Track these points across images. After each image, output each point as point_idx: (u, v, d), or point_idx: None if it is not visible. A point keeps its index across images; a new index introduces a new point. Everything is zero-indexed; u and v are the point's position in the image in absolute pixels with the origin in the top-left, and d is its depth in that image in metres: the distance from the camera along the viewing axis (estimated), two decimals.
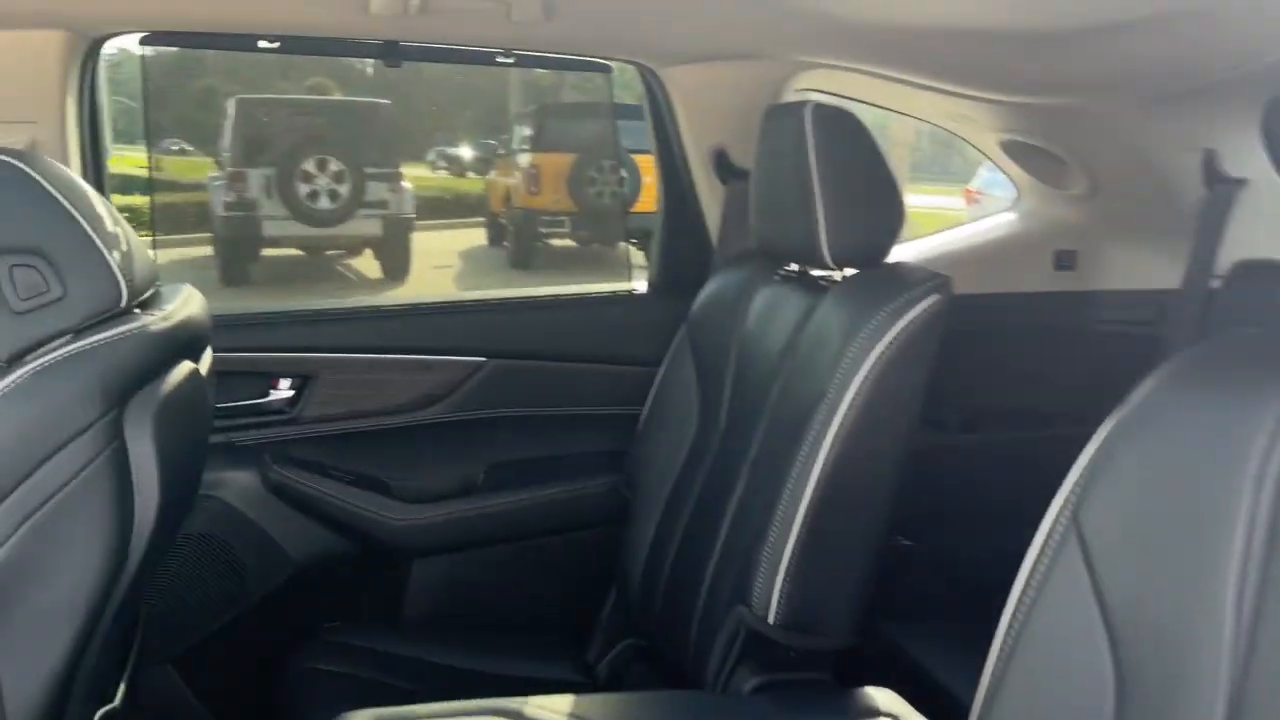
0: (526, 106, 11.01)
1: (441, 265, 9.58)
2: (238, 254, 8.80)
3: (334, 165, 8.93)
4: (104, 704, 1.30)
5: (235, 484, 1.83)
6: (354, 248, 9.39)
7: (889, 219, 1.47)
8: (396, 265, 9.06)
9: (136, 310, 1.27)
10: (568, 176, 9.28)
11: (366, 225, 9.09)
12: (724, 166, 1.97)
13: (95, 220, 1.22)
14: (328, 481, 1.88)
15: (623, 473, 1.85)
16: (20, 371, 1.15)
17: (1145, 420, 0.78)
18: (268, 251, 8.89)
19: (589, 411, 2.02)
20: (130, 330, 1.20)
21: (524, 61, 1.82)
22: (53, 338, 1.18)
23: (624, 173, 8.39)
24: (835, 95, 1.97)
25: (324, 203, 9.02)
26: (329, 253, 9.42)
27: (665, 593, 1.64)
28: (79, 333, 1.19)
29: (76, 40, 1.56)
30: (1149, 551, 0.75)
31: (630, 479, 1.81)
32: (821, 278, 1.55)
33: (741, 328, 1.66)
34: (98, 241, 1.20)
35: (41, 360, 1.16)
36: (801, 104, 1.47)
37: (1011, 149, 2.08)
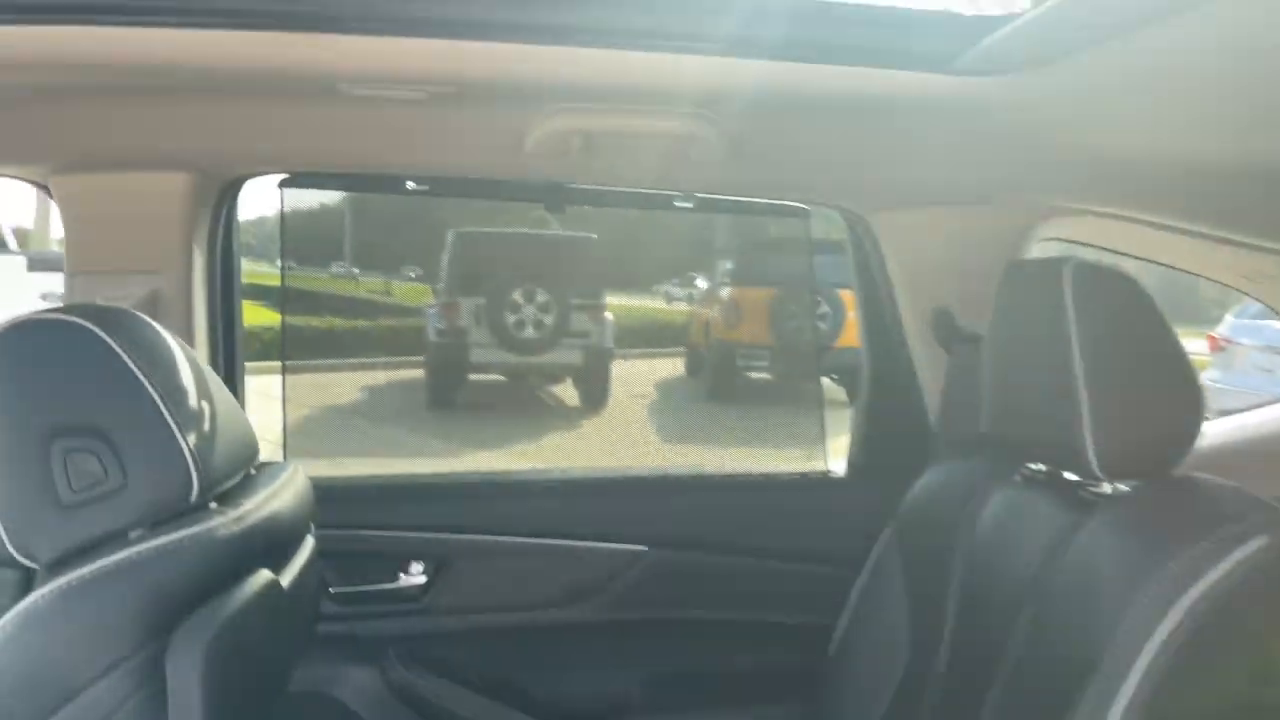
0: (730, 240, 11.08)
1: (639, 394, 9.56)
2: (446, 379, 9.09)
3: (540, 296, 9.16)
4: None
5: (352, 682, 1.59)
6: (556, 375, 9.55)
7: (1183, 416, 1.08)
8: (595, 393, 9.15)
9: (212, 505, 1.04)
10: (768, 310, 9.21)
11: (569, 354, 9.24)
12: (947, 329, 1.62)
13: (174, 393, 1.01)
14: (458, 688, 1.61)
15: (811, 701, 1.49)
16: (55, 584, 0.93)
17: None
18: (474, 377, 9.16)
19: (771, 619, 1.67)
20: (191, 536, 0.97)
21: (706, 206, 1.56)
22: (103, 540, 0.96)
23: (826, 308, 8.28)
24: (1087, 245, 1.60)
25: (529, 332, 9.23)
26: (532, 380, 9.62)
27: None
28: (134, 533, 0.97)
29: (206, 183, 1.41)
30: None
31: (820, 710, 1.45)
32: (1085, 487, 1.16)
33: (969, 539, 1.28)
34: (170, 420, 0.98)
35: (79, 572, 0.93)
36: (1059, 260, 1.13)
37: None
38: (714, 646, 1.68)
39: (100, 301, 1.20)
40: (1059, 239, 1.60)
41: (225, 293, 1.51)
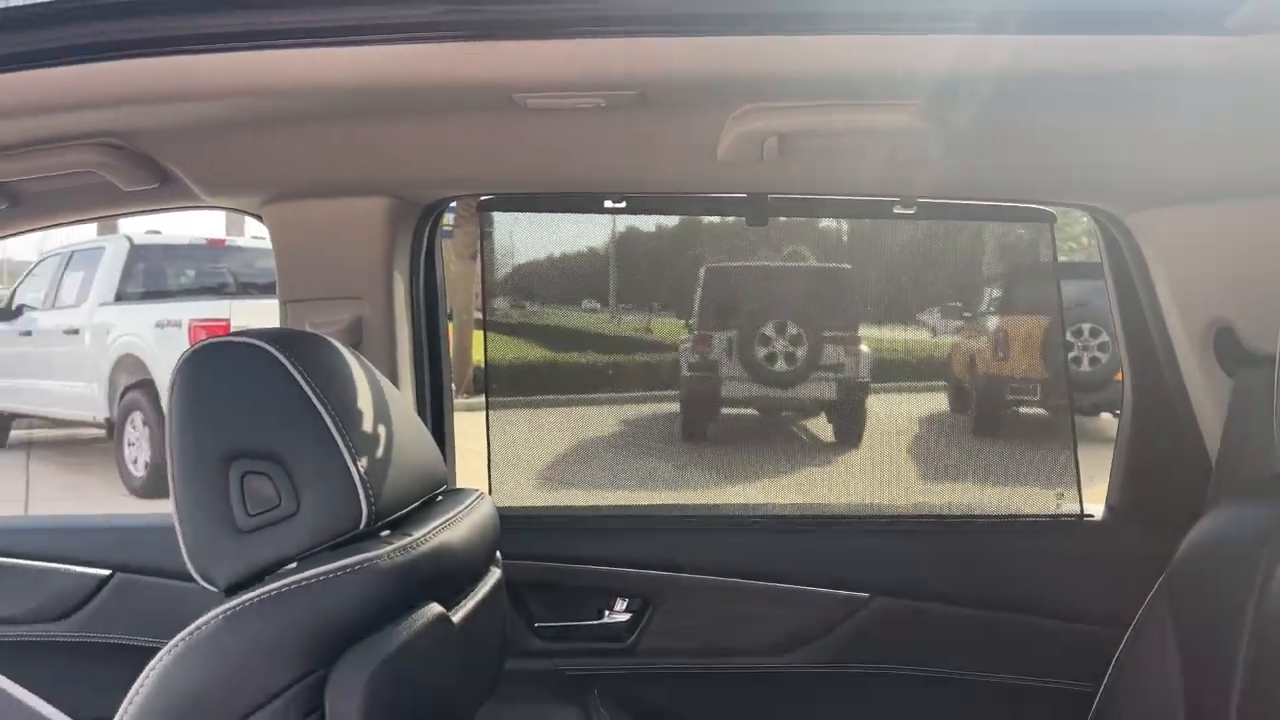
0: (996, 266, 10.54)
1: (897, 429, 9.21)
2: (699, 411, 9.15)
3: (792, 329, 9.06)
4: None
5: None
6: (809, 409, 9.40)
7: None
8: (850, 428, 8.89)
9: (383, 533, 1.00)
10: (1041, 341, 8.66)
11: (822, 388, 9.06)
12: (1230, 348, 1.37)
13: (350, 418, 0.98)
14: None
15: None
16: (223, 608, 0.92)
17: None
18: (727, 410, 9.19)
19: (1014, 681, 1.47)
20: (356, 564, 0.93)
21: (931, 212, 1.40)
22: (274, 566, 0.95)
23: (1105, 336, 7.70)
24: None
25: (780, 365, 9.15)
26: (784, 414, 9.53)
27: None
28: (302, 560, 0.95)
29: (405, 207, 1.41)
30: None
31: None
32: None
33: (1264, 601, 1.05)
34: (342, 445, 0.96)
35: (246, 597, 0.92)
36: None
37: None
38: (948, 707, 1.50)
39: (308, 328, 1.20)
40: None
41: (429, 318, 1.51)
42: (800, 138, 1.19)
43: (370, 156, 1.34)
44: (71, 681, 1.58)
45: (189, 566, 0.99)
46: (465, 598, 1.12)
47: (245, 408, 0.98)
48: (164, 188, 1.34)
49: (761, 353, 8.72)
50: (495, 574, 1.23)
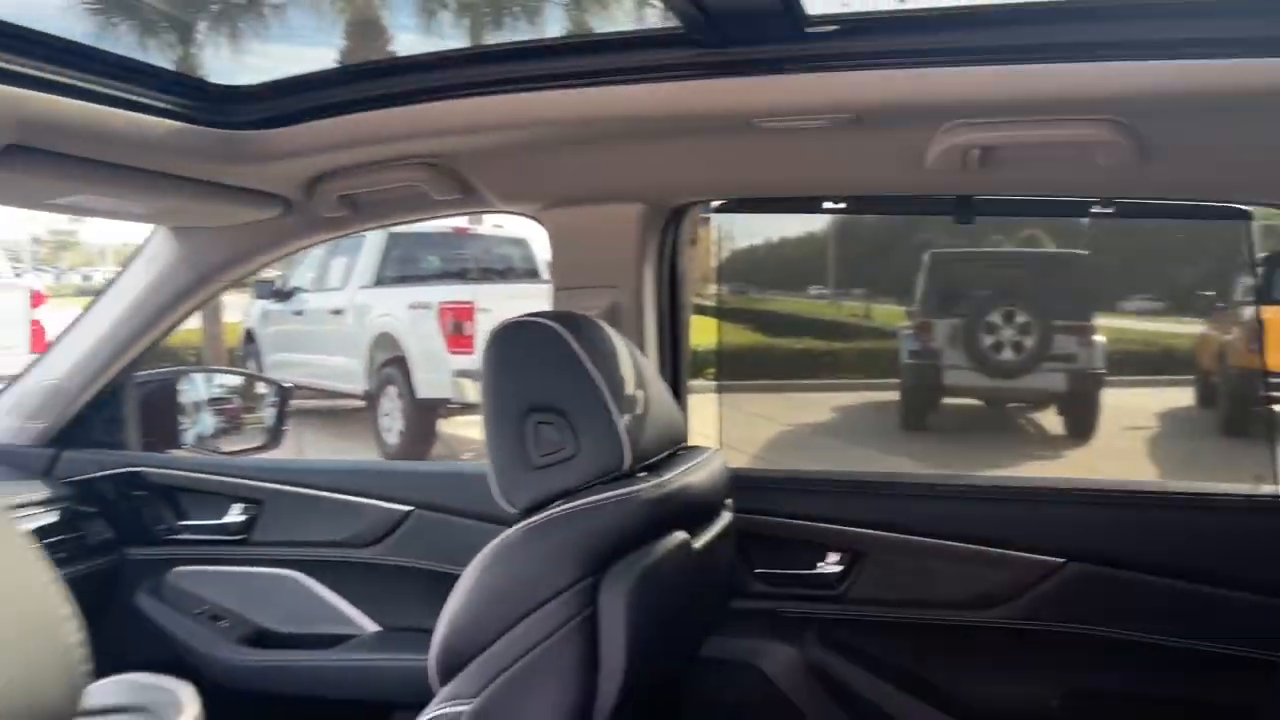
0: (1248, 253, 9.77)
1: (1135, 426, 8.77)
2: (919, 401, 9.03)
3: (1020, 317, 8.81)
4: None
5: (775, 656, 1.74)
6: (1037, 401, 9.08)
7: None
8: (1081, 422, 8.55)
9: (641, 474, 1.26)
10: None
11: (1051, 379, 8.76)
12: None
13: (615, 383, 1.25)
14: (871, 676, 1.70)
15: None
16: (521, 525, 1.20)
17: None
18: (948, 400, 9.01)
19: (1204, 649, 1.56)
20: (620, 496, 1.19)
21: (1128, 211, 1.52)
22: (559, 495, 1.22)
23: None
24: None
25: (1007, 354, 8.91)
26: (1010, 405, 9.25)
27: None
28: (577, 493, 1.22)
29: (655, 212, 1.67)
30: None
31: None
32: None
33: None
34: (611, 406, 1.22)
35: (538, 517, 1.19)
36: None
37: None
38: (1139, 670, 1.61)
39: (576, 310, 1.48)
40: None
41: (672, 306, 1.77)
42: (1001, 149, 1.35)
43: (630, 170, 1.61)
44: (374, 596, 1.95)
45: (495, 492, 1.27)
46: (703, 531, 1.36)
47: (538, 372, 1.26)
48: (466, 197, 1.65)
49: (987, 341, 8.53)
50: (726, 516, 1.46)
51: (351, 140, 1.49)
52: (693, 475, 1.33)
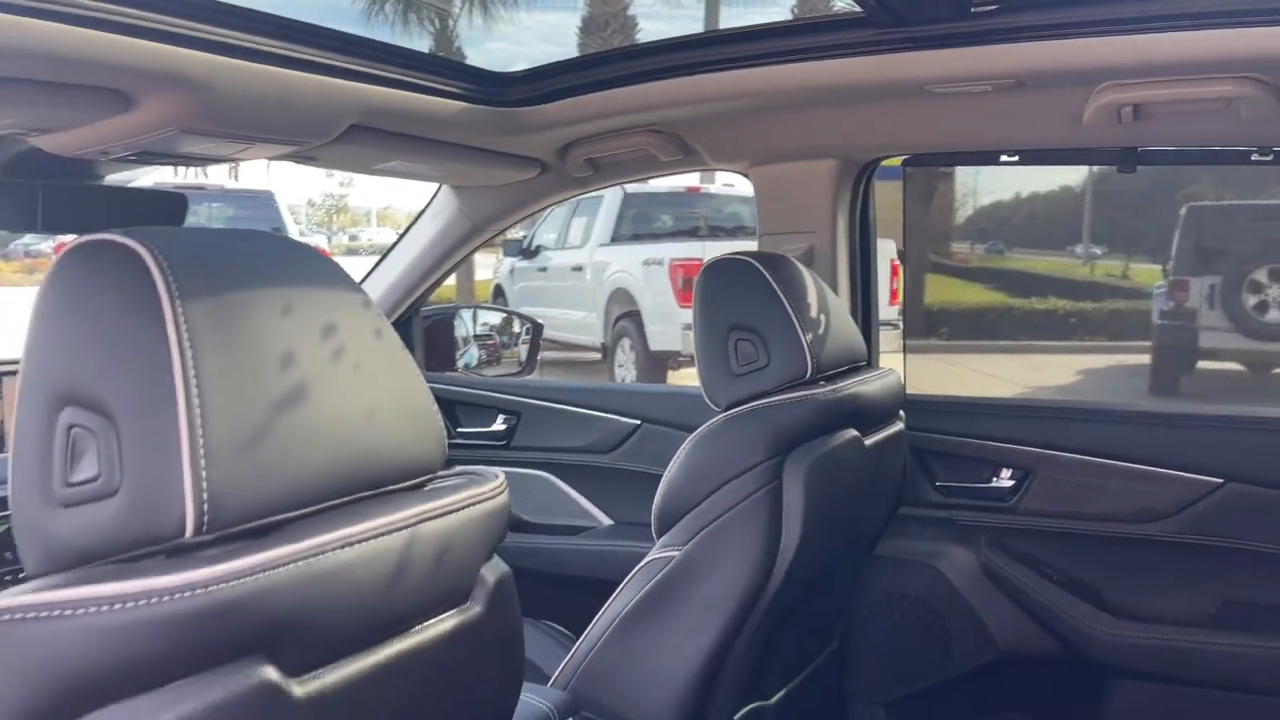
0: None
1: None
2: (1171, 365, 8.61)
3: None
4: (760, 701, 1.59)
5: (952, 559, 1.98)
6: None
7: None
8: None
9: (821, 382, 1.55)
10: None
11: None
12: None
13: (802, 310, 1.54)
14: (1038, 578, 1.91)
15: None
16: (721, 416, 1.52)
17: None
18: (1205, 365, 8.54)
19: None
20: (802, 396, 1.49)
21: None
22: (753, 396, 1.53)
23: None
24: None
25: (1273, 315, 8.35)
26: (1276, 371, 8.64)
27: None
28: (769, 394, 1.52)
29: (847, 167, 1.93)
30: None
31: None
32: None
33: None
34: (798, 327, 1.51)
35: (735, 410, 1.51)
36: None
37: None
38: None
39: (779, 250, 1.77)
40: None
41: (863, 251, 2.03)
42: (1152, 107, 1.51)
43: (823, 131, 1.87)
44: (609, 494, 2.33)
45: (704, 394, 1.59)
46: (873, 433, 1.62)
47: (738, 299, 1.56)
48: (686, 157, 1.97)
49: (1251, 301, 8.02)
50: (898, 426, 1.72)
51: (597, 114, 1.83)
52: (865, 386, 1.60)
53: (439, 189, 2.28)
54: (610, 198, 9.38)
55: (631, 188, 9.34)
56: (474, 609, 0.86)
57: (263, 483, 0.70)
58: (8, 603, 0.63)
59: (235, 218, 9.66)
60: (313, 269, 0.83)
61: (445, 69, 1.64)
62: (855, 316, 2.00)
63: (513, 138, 1.86)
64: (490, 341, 2.99)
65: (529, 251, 10.53)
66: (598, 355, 9.29)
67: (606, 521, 2.32)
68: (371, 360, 0.82)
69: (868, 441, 1.59)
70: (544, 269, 10.18)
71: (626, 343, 8.74)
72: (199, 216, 9.43)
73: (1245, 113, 1.45)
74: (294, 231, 10.18)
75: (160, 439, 0.66)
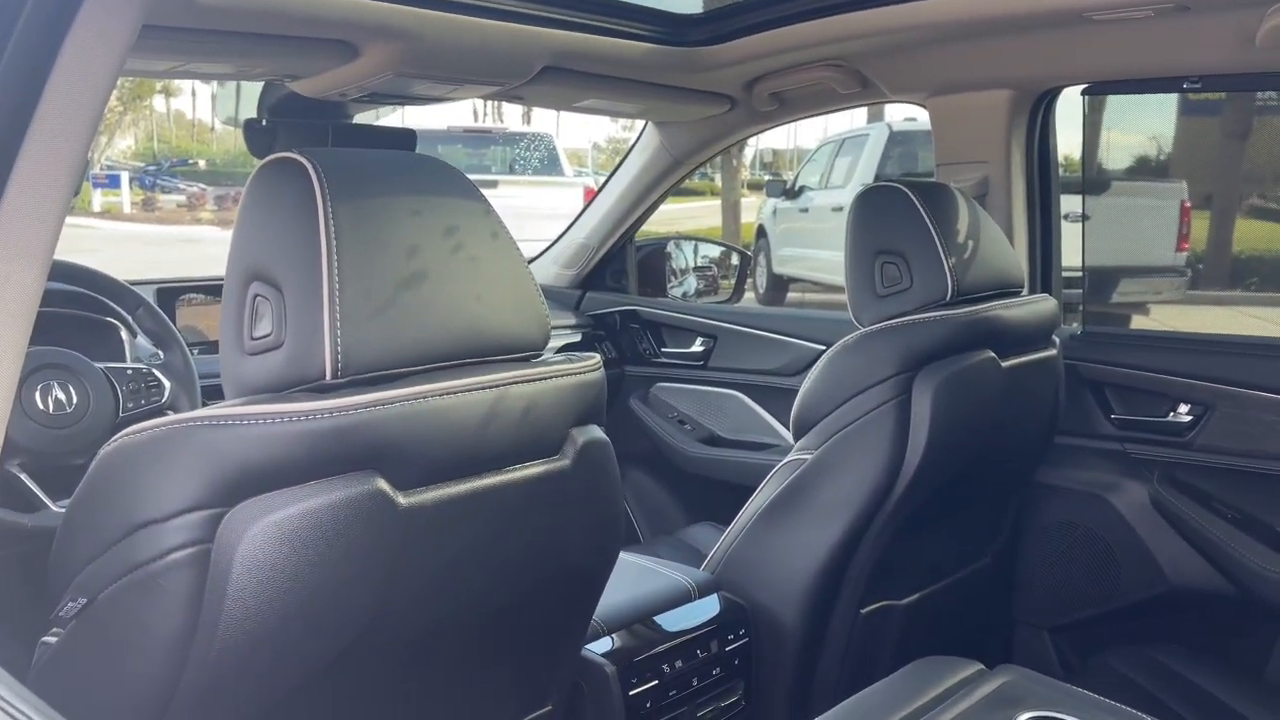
0: None
1: None
2: None
3: None
4: (890, 600, 1.71)
5: (1124, 491, 1.98)
6: None
7: None
8: None
9: (962, 304, 1.62)
10: None
11: None
12: None
13: (949, 234, 1.62)
14: (1211, 515, 1.88)
15: None
16: (856, 334, 1.64)
17: None
18: None
19: None
20: (935, 317, 1.58)
21: None
22: (896, 315, 1.63)
23: None
24: None
25: None
26: None
27: None
28: (912, 314, 1.62)
29: (1022, 97, 1.93)
30: None
31: None
32: None
33: None
34: (941, 251, 1.60)
35: (872, 328, 1.62)
36: None
37: None
38: None
39: (951, 184, 1.83)
40: None
41: (1043, 183, 2.03)
42: None
43: (998, 61, 1.86)
44: None
45: (850, 313, 1.70)
46: (1013, 356, 1.67)
47: (886, 224, 1.65)
48: (864, 90, 2.04)
49: None
50: (1049, 352, 1.75)
51: (778, 49, 1.95)
52: (1009, 310, 1.65)
53: (644, 126, 2.48)
54: (875, 136, 9.22)
55: (898, 126, 9.13)
56: (562, 462, 1.06)
57: (385, 343, 0.92)
58: (197, 414, 0.89)
59: (516, 157, 10.38)
60: (443, 182, 1.05)
61: (629, 12, 1.81)
62: (1032, 248, 2.01)
63: (698, 75, 2.01)
64: (708, 273, 3.19)
65: (792, 192, 10.53)
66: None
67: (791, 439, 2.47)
68: (486, 255, 1.03)
69: (1005, 363, 1.64)
70: (806, 210, 10.15)
71: None
72: (486, 157, 10.26)
73: None
74: (569, 171, 10.77)
75: (310, 306, 0.90)
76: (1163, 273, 7.22)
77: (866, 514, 1.58)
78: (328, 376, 0.90)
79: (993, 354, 1.62)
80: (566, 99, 2.03)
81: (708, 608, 1.60)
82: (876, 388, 1.57)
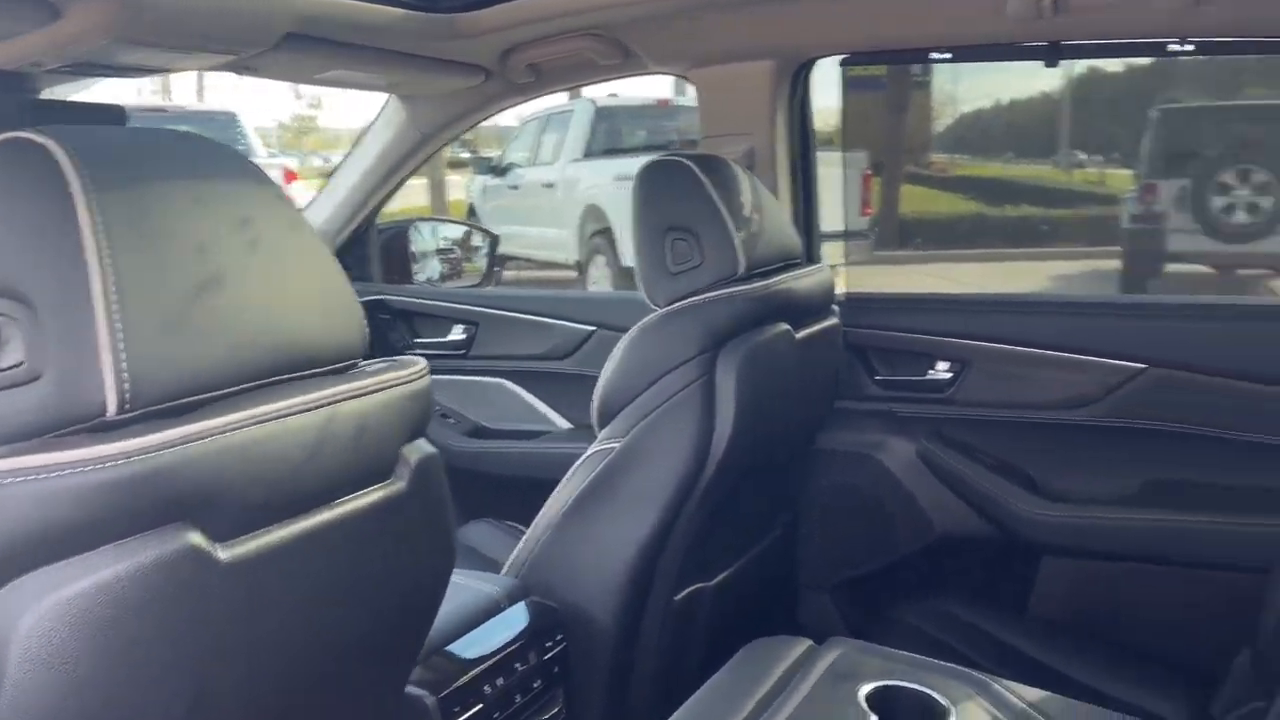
0: None
1: None
2: (1141, 268, 8.71)
3: (1258, 176, 8.28)
4: (701, 582, 1.68)
5: (892, 449, 2.06)
6: (1275, 267, 8.54)
7: None
8: None
9: (754, 278, 1.60)
10: None
11: None
12: None
13: (735, 209, 1.58)
14: (973, 464, 1.99)
15: None
16: (657, 313, 1.57)
17: None
18: (1174, 267, 8.63)
19: (1266, 440, 1.77)
20: (734, 293, 1.54)
21: (1208, 49, 1.67)
22: (689, 294, 1.58)
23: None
24: None
25: (1239, 216, 8.41)
26: (1243, 272, 8.74)
27: None
28: (705, 291, 1.57)
29: (784, 67, 1.95)
30: None
31: None
32: None
33: None
34: (729, 224, 1.56)
35: (671, 308, 1.56)
36: None
37: None
38: (1208, 462, 1.83)
39: (718, 155, 1.80)
40: None
41: (802, 154, 2.07)
42: None
43: (759, 30, 1.88)
44: (566, 399, 2.39)
45: (642, 293, 1.64)
46: (805, 326, 1.68)
47: (673, 199, 1.60)
48: (625, 61, 1.98)
49: (1218, 203, 8.08)
50: (831, 320, 1.78)
51: (535, 17, 1.84)
52: (797, 281, 1.66)
53: (387, 100, 2.29)
54: (581, 112, 9.28)
55: (603, 102, 9.26)
56: (397, 485, 0.92)
57: (182, 363, 0.74)
58: None
59: None
60: (225, 164, 0.87)
61: None
62: (796, 217, 2.04)
63: (453, 43, 1.87)
64: (451, 255, 3.03)
65: (500, 169, 10.43)
66: (573, 273, 9.27)
67: (565, 425, 2.39)
68: (287, 251, 0.86)
69: (799, 335, 1.65)
70: (516, 187, 10.10)
71: (601, 260, 8.72)
72: None
73: (1159, 2, 1.48)
74: (262, 153, 10.05)
75: (79, 325, 0.71)
76: (853, 237, 7.78)
77: (679, 498, 1.54)
78: (111, 411, 0.71)
79: (788, 326, 1.62)
80: (308, 70, 1.82)
81: (518, 617, 1.49)
82: (680, 368, 1.53)
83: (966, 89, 10.50)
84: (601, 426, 1.60)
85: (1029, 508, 1.92)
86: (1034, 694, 1.27)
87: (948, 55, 1.83)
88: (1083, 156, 10.90)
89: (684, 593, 1.64)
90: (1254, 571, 1.65)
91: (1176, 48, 1.65)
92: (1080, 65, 10.44)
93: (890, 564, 2.09)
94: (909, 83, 8.86)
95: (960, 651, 1.80)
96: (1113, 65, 9.98)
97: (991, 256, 9.56)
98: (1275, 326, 1.83)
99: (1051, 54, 1.75)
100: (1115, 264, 8.50)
